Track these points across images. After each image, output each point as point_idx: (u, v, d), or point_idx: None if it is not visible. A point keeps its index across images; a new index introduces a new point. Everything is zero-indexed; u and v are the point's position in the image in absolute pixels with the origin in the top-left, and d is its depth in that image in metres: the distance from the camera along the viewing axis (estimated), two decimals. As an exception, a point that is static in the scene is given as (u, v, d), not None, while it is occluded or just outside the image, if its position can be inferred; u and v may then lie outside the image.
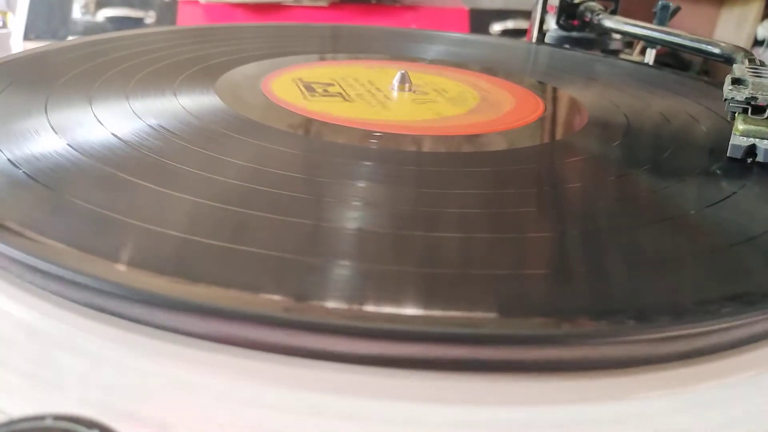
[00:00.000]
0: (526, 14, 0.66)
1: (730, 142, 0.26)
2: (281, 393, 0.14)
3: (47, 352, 0.14)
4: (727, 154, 0.26)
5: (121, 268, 0.15)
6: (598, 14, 0.49)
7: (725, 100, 0.27)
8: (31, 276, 0.16)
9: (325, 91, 0.34)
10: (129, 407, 0.13)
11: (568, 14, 0.52)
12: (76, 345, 0.14)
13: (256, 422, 0.13)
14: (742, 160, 0.26)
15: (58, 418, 0.12)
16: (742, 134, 0.26)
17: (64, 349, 0.14)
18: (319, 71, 0.38)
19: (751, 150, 0.26)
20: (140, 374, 0.14)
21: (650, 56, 0.52)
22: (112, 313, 0.15)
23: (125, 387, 0.14)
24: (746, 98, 0.26)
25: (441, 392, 0.14)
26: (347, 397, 0.14)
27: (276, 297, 0.15)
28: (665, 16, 0.49)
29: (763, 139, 0.26)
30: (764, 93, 0.26)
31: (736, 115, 0.26)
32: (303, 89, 0.34)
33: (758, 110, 0.26)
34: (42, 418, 0.12)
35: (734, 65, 0.30)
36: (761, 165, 0.26)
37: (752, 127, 0.26)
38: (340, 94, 0.34)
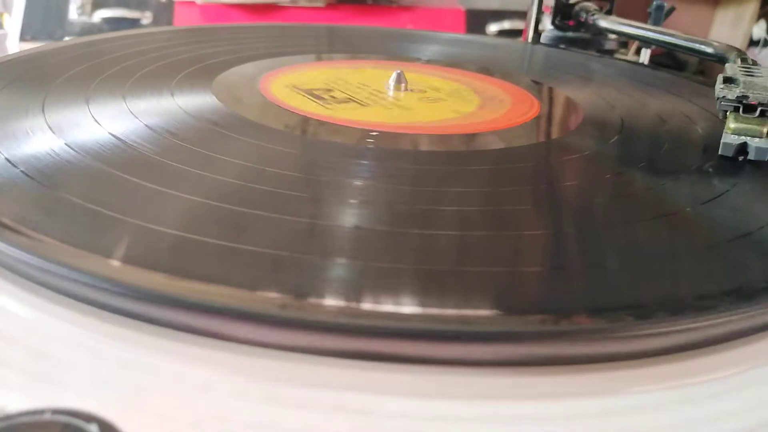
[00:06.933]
0: (522, 15, 0.67)
1: (721, 141, 0.26)
2: (278, 389, 0.14)
3: (45, 347, 0.14)
4: (719, 152, 0.26)
5: (118, 264, 0.16)
6: (593, 14, 0.49)
7: (717, 98, 0.27)
8: (29, 273, 0.16)
9: (332, 97, 0.33)
10: (127, 402, 0.13)
11: (563, 14, 0.52)
12: (74, 340, 0.15)
13: (254, 417, 0.13)
14: (734, 158, 0.26)
15: (56, 412, 0.12)
16: (733, 132, 0.26)
17: (62, 344, 0.15)
18: (314, 74, 0.39)
19: (743, 148, 0.26)
20: (138, 369, 0.14)
21: (645, 56, 0.52)
22: (110, 310, 0.15)
23: (123, 382, 0.14)
24: (737, 97, 0.26)
25: (438, 387, 0.14)
26: (341, 392, 0.14)
27: (272, 294, 0.15)
28: (660, 16, 0.49)
29: (754, 137, 0.26)
30: (755, 91, 0.26)
31: (727, 113, 0.27)
32: (312, 98, 0.33)
33: (749, 109, 0.26)
34: (41, 412, 0.12)
35: (727, 64, 0.31)
36: (753, 162, 0.26)
37: (743, 126, 0.26)
38: (351, 99, 0.33)
